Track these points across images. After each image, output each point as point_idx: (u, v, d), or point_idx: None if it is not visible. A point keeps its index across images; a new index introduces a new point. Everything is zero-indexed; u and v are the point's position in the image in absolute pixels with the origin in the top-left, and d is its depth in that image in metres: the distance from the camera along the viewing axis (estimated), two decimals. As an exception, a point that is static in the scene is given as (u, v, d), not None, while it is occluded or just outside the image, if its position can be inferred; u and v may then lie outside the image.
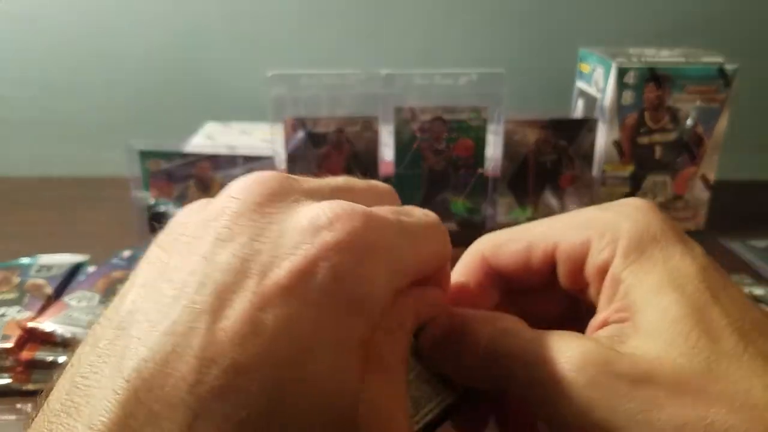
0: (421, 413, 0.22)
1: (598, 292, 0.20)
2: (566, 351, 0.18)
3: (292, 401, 0.14)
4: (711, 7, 0.72)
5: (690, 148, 0.56)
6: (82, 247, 0.51)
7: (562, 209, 0.56)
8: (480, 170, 0.55)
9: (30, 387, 0.38)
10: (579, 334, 0.19)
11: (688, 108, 0.55)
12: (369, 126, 0.53)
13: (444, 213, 0.54)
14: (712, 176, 0.57)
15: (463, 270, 0.23)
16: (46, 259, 0.48)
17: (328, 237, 0.16)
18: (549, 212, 0.56)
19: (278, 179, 0.18)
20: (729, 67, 0.54)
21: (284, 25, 0.74)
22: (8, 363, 0.38)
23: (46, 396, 0.15)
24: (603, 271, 0.20)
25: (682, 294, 0.18)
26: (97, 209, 0.62)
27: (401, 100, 0.52)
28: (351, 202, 0.17)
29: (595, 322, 0.20)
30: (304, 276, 0.15)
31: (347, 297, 0.16)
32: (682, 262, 0.19)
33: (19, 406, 0.37)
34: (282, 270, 0.15)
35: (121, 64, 0.74)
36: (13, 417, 0.37)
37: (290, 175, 0.19)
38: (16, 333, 0.39)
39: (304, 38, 0.74)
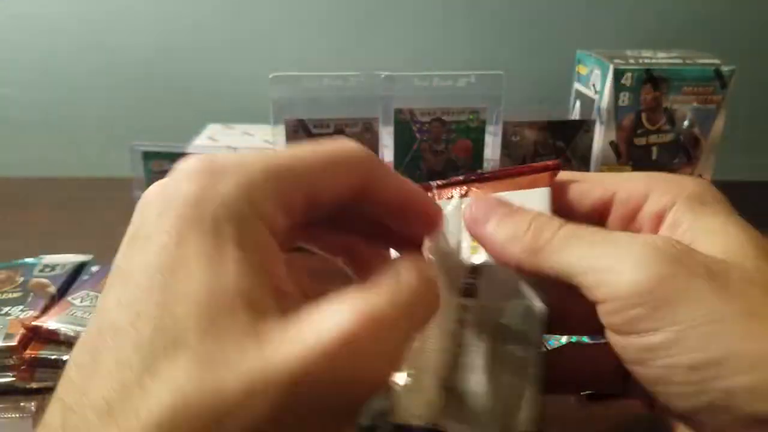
0: None
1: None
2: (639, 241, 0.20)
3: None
4: (707, 9, 0.72)
5: (687, 149, 0.57)
6: (86, 247, 0.51)
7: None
8: (479, 171, 0.55)
9: (33, 385, 0.38)
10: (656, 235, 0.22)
11: (685, 109, 0.55)
12: (369, 127, 0.53)
13: (443, 213, 0.54)
14: (708, 177, 0.58)
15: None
16: (50, 258, 0.49)
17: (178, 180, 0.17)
18: (547, 213, 0.56)
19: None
20: (725, 68, 0.54)
21: (285, 27, 0.74)
22: (12, 361, 0.38)
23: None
24: (659, 216, 0.22)
25: (743, 231, 0.21)
26: (101, 210, 0.63)
27: (401, 101, 0.53)
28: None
29: None
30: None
31: (200, 215, 0.17)
32: (739, 217, 0.21)
33: (22, 404, 0.38)
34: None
35: (123, 65, 0.75)
36: (16, 415, 0.37)
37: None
38: (19, 332, 0.39)
39: (305, 40, 0.75)
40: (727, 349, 0.17)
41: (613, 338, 0.20)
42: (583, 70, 0.60)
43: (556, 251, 0.21)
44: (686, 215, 0.21)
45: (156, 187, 0.19)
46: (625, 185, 0.23)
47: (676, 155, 0.57)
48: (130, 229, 0.18)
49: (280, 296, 0.17)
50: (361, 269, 0.23)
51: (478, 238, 0.23)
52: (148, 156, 0.54)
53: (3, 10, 0.72)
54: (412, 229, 0.22)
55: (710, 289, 0.18)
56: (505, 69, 0.53)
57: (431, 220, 0.22)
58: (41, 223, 0.61)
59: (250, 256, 0.17)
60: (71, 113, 0.77)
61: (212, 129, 0.68)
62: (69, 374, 0.16)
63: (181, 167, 0.18)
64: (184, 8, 0.73)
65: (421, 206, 0.22)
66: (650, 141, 0.56)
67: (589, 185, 0.24)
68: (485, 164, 0.55)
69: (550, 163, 0.25)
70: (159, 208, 0.17)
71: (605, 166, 0.56)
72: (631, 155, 0.56)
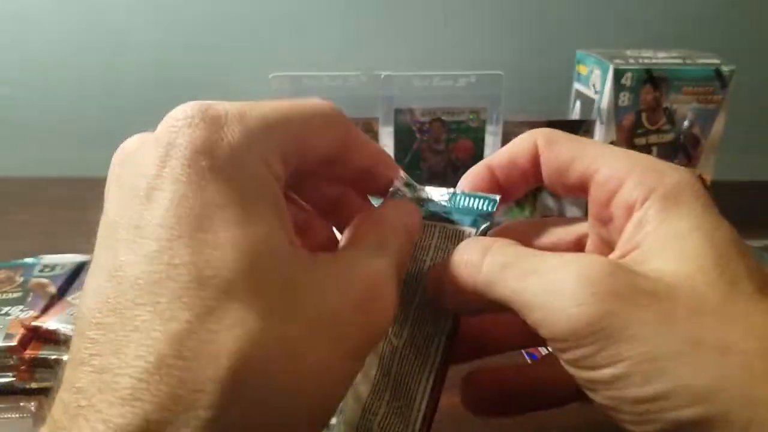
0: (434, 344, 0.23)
1: (620, 230, 0.20)
2: (584, 264, 0.18)
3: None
4: (707, 9, 0.72)
5: (687, 149, 0.57)
6: (86, 247, 0.51)
7: (560, 210, 0.57)
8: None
9: (33, 385, 0.38)
10: (591, 255, 0.20)
11: (685, 109, 0.55)
12: (369, 127, 0.53)
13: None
14: (708, 177, 0.58)
15: (516, 148, 0.23)
16: (49, 258, 0.49)
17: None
18: (547, 212, 0.56)
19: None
20: (725, 68, 0.54)
21: (285, 26, 0.74)
22: (12, 361, 0.38)
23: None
24: (630, 207, 0.20)
25: (709, 240, 0.18)
26: (100, 209, 0.62)
27: (401, 101, 0.53)
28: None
29: (612, 256, 0.20)
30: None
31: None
32: (716, 220, 0.19)
33: (22, 404, 0.37)
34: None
35: (122, 64, 0.75)
36: (16, 415, 0.37)
37: None
38: (19, 332, 0.39)
39: (305, 40, 0.75)
40: (673, 384, 0.16)
41: (564, 365, 0.19)
42: (583, 70, 0.60)
43: (490, 284, 0.19)
44: (656, 215, 0.19)
45: (140, 138, 0.18)
46: (607, 165, 0.21)
47: (676, 155, 0.57)
48: (114, 184, 0.18)
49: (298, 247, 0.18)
50: (345, 222, 0.23)
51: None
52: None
53: (2, 9, 0.72)
54: (372, 188, 0.24)
55: (654, 321, 0.17)
56: (505, 69, 0.53)
57: (392, 177, 0.23)
58: (41, 223, 0.61)
59: (272, 206, 0.17)
60: (71, 113, 0.77)
61: (212, 129, 0.68)
62: (89, 336, 0.15)
63: (176, 115, 0.18)
64: (183, 8, 0.73)
65: (386, 164, 0.23)
66: (650, 141, 0.56)
67: (576, 155, 0.22)
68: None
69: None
70: (158, 158, 0.16)
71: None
72: (631, 155, 0.56)
